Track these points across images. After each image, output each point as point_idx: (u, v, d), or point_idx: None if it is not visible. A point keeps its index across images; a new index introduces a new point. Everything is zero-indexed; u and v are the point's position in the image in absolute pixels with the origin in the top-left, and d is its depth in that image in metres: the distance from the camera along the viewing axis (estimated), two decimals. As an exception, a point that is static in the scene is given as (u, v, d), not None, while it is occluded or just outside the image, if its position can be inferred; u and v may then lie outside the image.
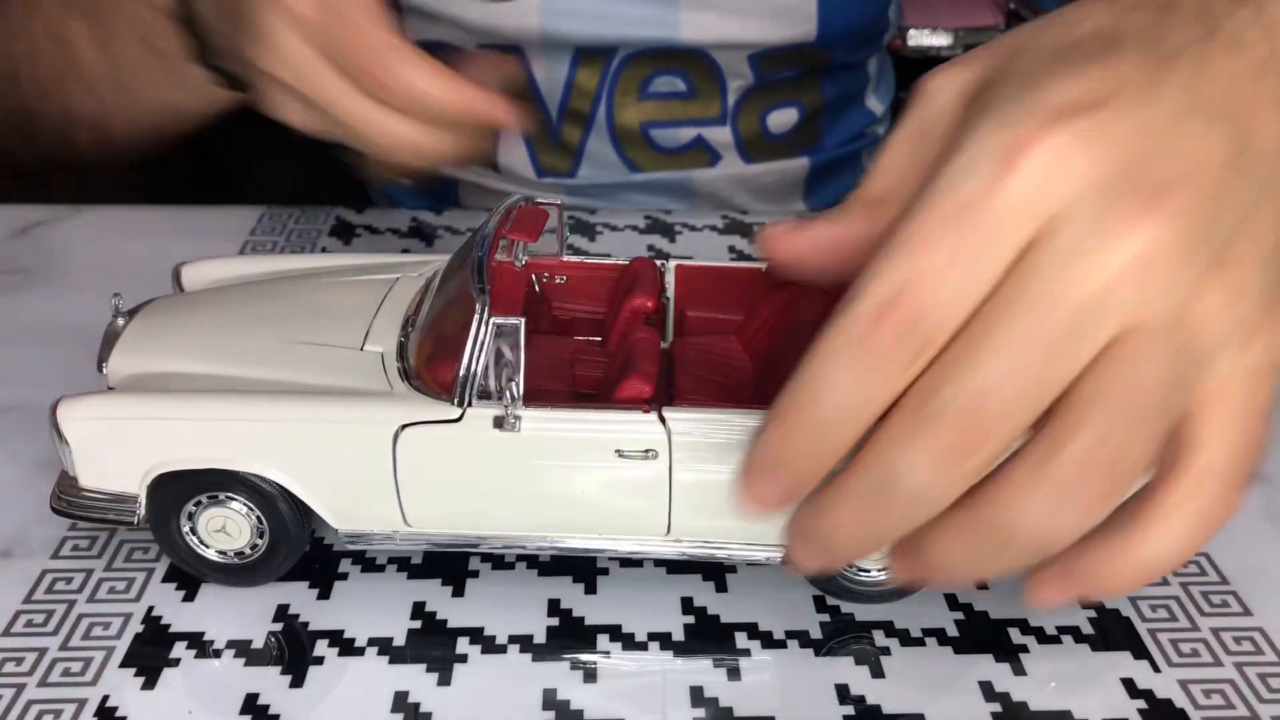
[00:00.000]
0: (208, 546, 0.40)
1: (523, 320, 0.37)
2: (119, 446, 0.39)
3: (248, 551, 0.40)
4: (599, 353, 0.43)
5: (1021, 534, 0.29)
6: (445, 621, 0.40)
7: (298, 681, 0.38)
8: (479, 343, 0.37)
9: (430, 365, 0.39)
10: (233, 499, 0.40)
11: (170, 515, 0.40)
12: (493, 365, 0.37)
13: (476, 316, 0.37)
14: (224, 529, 0.40)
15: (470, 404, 0.38)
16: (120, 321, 0.43)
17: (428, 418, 0.38)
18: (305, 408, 0.38)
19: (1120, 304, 0.27)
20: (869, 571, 0.40)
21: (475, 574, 0.42)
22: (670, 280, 0.45)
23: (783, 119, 0.74)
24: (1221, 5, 0.31)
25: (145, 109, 0.65)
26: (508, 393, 0.37)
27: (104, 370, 0.42)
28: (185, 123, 0.65)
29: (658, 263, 0.45)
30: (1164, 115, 0.28)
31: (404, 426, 0.38)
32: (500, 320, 0.37)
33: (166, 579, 0.41)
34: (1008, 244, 0.27)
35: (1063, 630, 0.40)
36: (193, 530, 0.40)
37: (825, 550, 0.32)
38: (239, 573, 0.41)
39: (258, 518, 0.40)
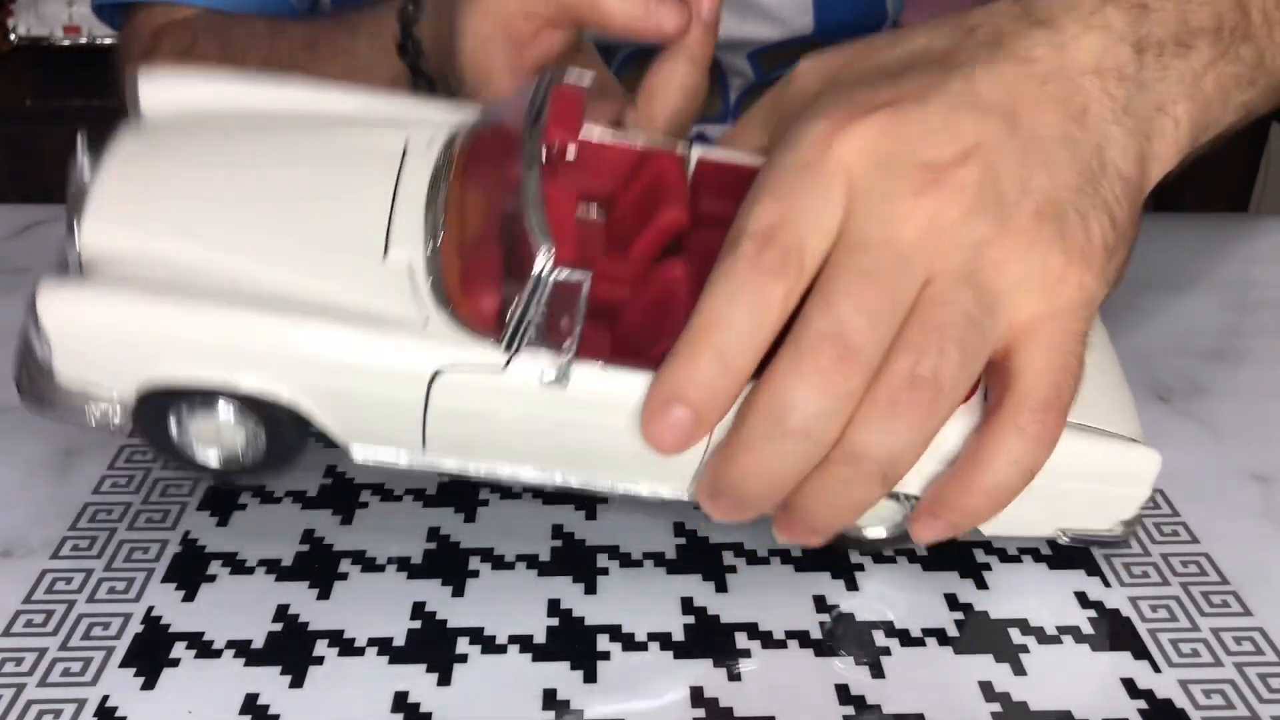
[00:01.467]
0: (197, 449, 0.38)
1: (589, 275, 0.34)
2: (107, 349, 0.36)
3: (243, 457, 0.38)
4: (622, 268, 0.40)
5: (865, 456, 0.34)
6: (445, 621, 0.40)
7: (298, 682, 0.38)
8: (537, 292, 0.34)
9: (468, 289, 0.36)
10: (227, 402, 0.37)
11: (158, 419, 0.37)
12: (546, 315, 0.35)
13: (539, 264, 0.34)
14: (217, 434, 0.38)
15: (518, 351, 0.35)
16: (84, 166, 0.38)
17: (469, 363, 0.35)
18: (330, 338, 0.35)
19: (920, 255, 0.34)
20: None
21: (475, 574, 0.42)
22: (689, 172, 0.42)
23: None
24: (1016, 28, 0.39)
25: None
26: (561, 347, 0.35)
27: (75, 233, 0.37)
28: None
29: (680, 153, 0.42)
30: (935, 113, 0.36)
31: (441, 370, 0.36)
32: (565, 276, 0.34)
33: (166, 579, 0.41)
34: (836, 197, 0.35)
35: (1063, 630, 0.40)
36: (182, 433, 0.38)
37: (737, 499, 0.36)
38: (236, 475, 0.38)
39: (254, 421, 0.37)
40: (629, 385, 0.36)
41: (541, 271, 0.34)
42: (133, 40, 0.73)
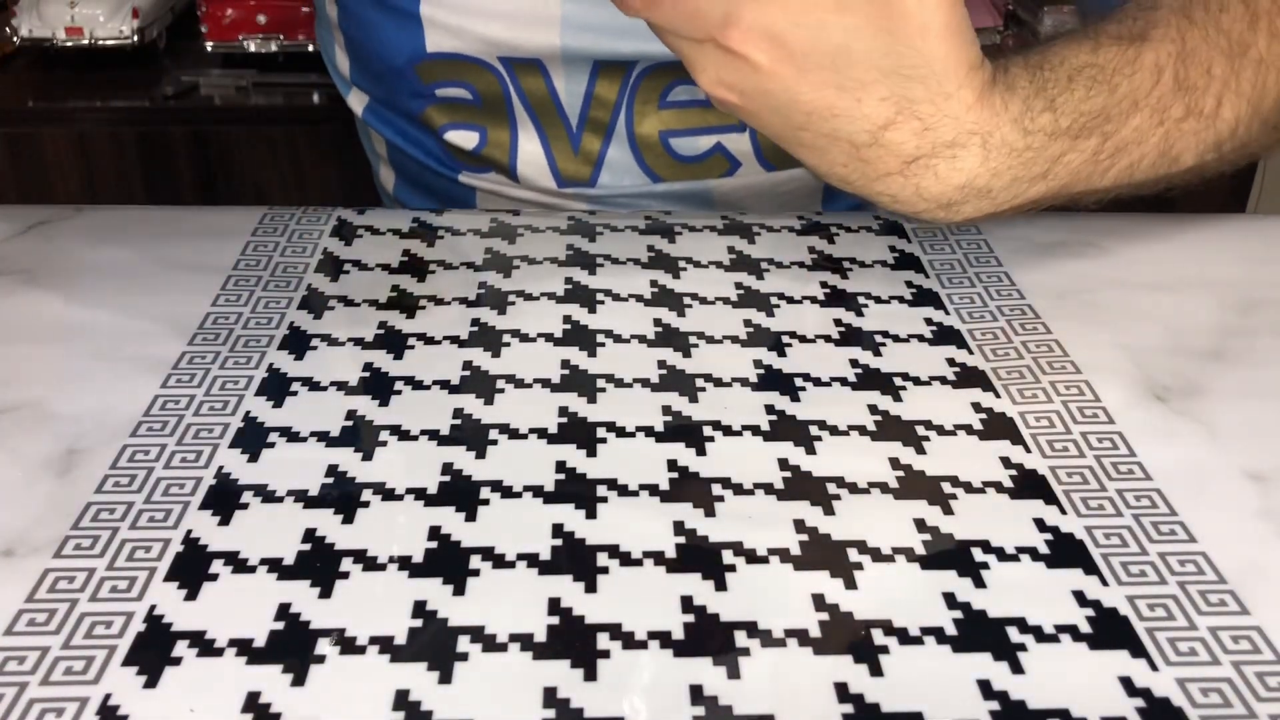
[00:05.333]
0: None
1: None
2: None
3: None
4: None
5: None
6: (446, 620, 0.40)
7: (299, 680, 0.38)
8: None
9: None
10: None
11: None
12: None
13: None
14: None
15: None
16: None
17: None
18: None
19: None
20: None
21: (476, 573, 0.42)
22: None
23: None
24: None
25: None
26: None
27: None
28: None
29: None
30: None
31: None
32: None
33: (168, 578, 0.42)
34: None
35: (1061, 629, 0.40)
36: None
37: None
38: None
39: None
40: None
41: None
42: None
